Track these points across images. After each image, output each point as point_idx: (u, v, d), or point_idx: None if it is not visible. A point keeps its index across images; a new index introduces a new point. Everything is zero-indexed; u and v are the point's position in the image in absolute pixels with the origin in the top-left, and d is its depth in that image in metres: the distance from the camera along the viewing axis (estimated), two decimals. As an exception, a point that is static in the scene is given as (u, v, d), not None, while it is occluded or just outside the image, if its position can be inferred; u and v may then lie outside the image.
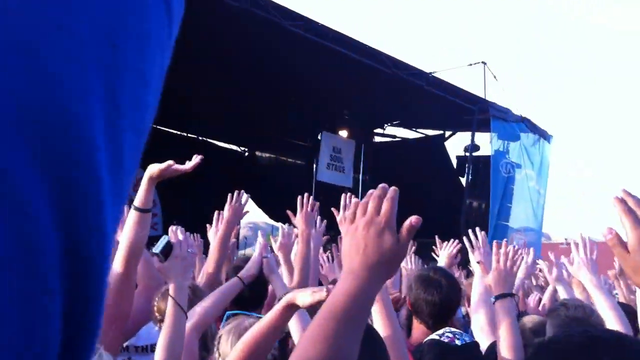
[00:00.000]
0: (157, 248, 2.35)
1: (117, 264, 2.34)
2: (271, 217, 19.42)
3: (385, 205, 1.25)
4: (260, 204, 18.11)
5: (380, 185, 1.28)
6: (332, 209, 3.34)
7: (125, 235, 2.37)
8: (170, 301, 2.22)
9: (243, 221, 18.70)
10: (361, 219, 1.24)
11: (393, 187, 1.29)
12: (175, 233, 2.44)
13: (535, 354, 1.38)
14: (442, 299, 3.01)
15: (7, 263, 0.27)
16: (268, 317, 1.95)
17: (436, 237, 5.47)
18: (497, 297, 2.52)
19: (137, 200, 2.41)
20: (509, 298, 2.50)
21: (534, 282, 5.85)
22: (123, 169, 0.35)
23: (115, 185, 0.34)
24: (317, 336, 1.10)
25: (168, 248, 2.37)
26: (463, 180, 14.16)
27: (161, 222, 15.25)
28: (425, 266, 5.03)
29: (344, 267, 1.23)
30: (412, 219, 1.27)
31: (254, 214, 20.71)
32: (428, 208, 14.22)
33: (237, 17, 8.88)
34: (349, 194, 3.46)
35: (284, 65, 10.86)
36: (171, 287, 2.28)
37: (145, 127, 0.38)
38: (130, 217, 2.38)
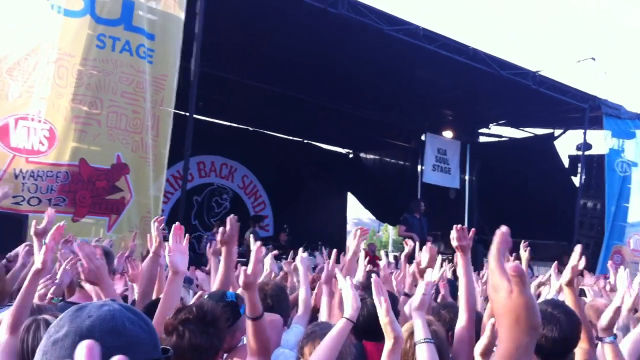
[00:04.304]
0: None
1: None
2: (376, 215, 19.69)
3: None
4: (365, 204, 18.38)
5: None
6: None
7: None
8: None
9: (348, 216, 18.86)
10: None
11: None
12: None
13: None
14: (561, 335, 2.95)
15: None
16: None
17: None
18: None
19: (250, 312, 2.69)
20: None
21: None
22: None
23: None
24: None
25: None
26: (576, 180, 13.62)
27: (272, 223, 15.83)
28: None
29: None
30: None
31: (359, 211, 21.02)
32: (539, 209, 13.91)
33: (340, 25, 9.10)
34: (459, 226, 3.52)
35: (386, 68, 10.96)
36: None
37: None
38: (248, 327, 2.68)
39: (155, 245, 3.78)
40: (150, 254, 3.83)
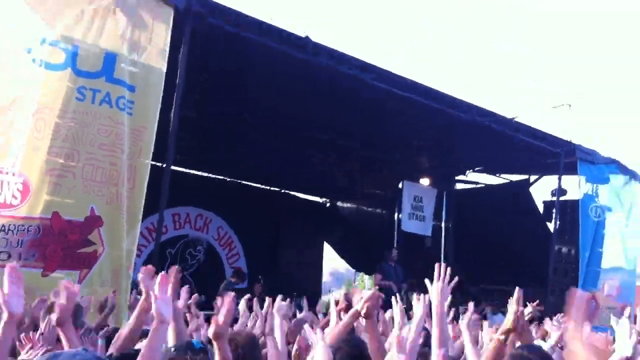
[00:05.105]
0: None
1: None
2: (352, 265, 19.48)
3: None
4: (341, 253, 18.21)
5: None
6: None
7: None
8: None
9: (324, 267, 18.81)
10: None
11: None
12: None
13: None
14: None
15: None
16: None
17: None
18: None
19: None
20: None
21: None
22: None
23: None
24: None
25: None
26: (550, 226, 13.71)
27: (246, 273, 15.54)
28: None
29: None
30: None
31: (335, 261, 20.82)
32: (514, 255, 13.93)
33: (315, 72, 9.10)
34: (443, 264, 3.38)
35: (362, 116, 10.97)
36: None
37: None
38: None
39: (142, 299, 3.50)
40: (138, 310, 3.58)
